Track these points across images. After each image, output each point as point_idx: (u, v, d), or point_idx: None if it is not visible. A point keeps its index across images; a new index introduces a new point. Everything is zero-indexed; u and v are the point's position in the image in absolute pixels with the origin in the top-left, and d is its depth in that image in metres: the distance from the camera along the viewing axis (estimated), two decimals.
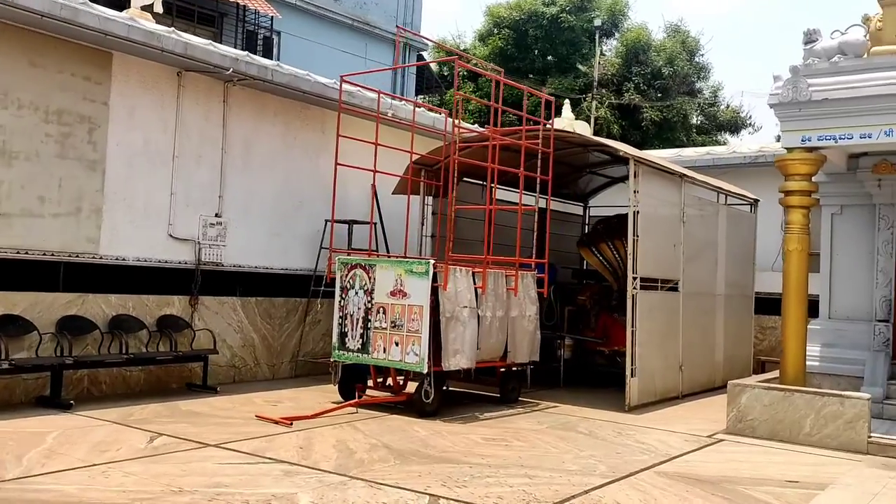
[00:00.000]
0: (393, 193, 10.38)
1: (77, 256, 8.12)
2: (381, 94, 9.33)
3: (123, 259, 8.53)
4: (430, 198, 10.72)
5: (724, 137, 24.16)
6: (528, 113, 9.61)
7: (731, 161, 13.30)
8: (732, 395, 7.83)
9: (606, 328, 10.59)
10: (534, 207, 9.01)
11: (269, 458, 5.81)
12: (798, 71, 7.94)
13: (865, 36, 8.14)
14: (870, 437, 7.23)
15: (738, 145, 15.31)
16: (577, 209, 13.61)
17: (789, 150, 8.04)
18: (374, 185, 9.57)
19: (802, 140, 7.92)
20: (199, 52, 8.63)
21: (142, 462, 5.55)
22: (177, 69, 8.93)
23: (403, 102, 10.19)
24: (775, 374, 8.48)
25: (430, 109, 10.39)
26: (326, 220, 10.34)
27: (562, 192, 13.01)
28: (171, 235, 8.96)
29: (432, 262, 7.73)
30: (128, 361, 8.23)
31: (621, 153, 8.93)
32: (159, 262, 8.84)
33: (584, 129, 14.99)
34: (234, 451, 6.01)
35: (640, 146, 20.49)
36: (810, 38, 8.28)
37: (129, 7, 11.09)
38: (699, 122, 23.27)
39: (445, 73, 24.43)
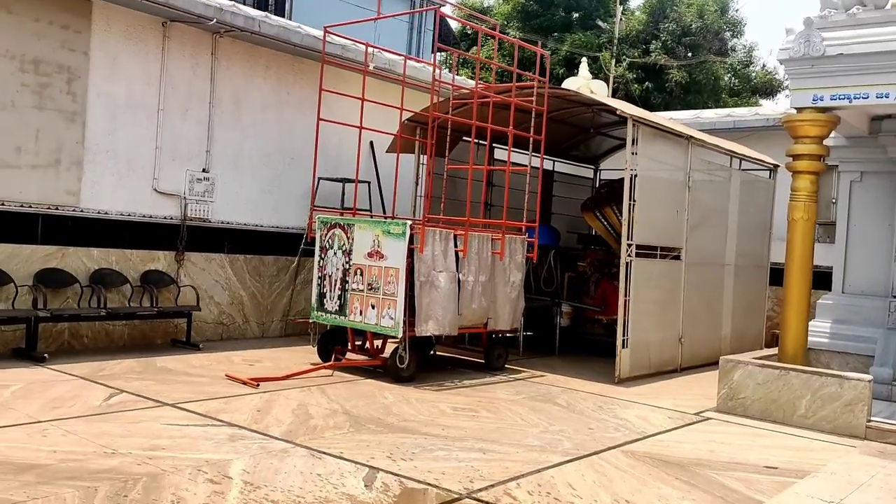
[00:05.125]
0: (387, 152, 10.05)
1: (56, 209, 8.01)
2: (370, 47, 8.92)
3: (106, 213, 8.40)
4: (425, 157, 10.35)
5: (758, 101, 23.04)
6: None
7: (753, 124, 12.60)
8: (724, 371, 7.43)
9: (606, 296, 10.19)
10: (525, 168, 8.58)
11: (221, 421, 5.66)
12: (812, 23, 7.32)
13: None
14: (869, 421, 6.79)
15: (761, 107, 14.50)
16: (587, 172, 13.10)
17: (799, 109, 7.47)
18: (371, 143, 9.26)
19: (814, 99, 7.34)
20: (181, 1, 8.33)
21: (89, 420, 5.44)
22: (162, 19, 8.66)
23: (398, 56, 9.76)
24: (774, 350, 8.03)
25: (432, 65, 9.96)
26: (320, 178, 10.10)
27: (571, 153, 12.53)
28: (155, 190, 8.80)
29: (409, 223, 7.42)
30: (108, 316, 8.16)
31: (618, 112, 8.44)
32: (143, 216, 8.71)
33: (600, 89, 14.37)
34: (189, 411, 5.88)
35: (665, 109, 19.64)
36: None
37: None
38: (731, 84, 22.09)
39: (469, 32, 23.74)
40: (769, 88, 23.02)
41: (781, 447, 6.21)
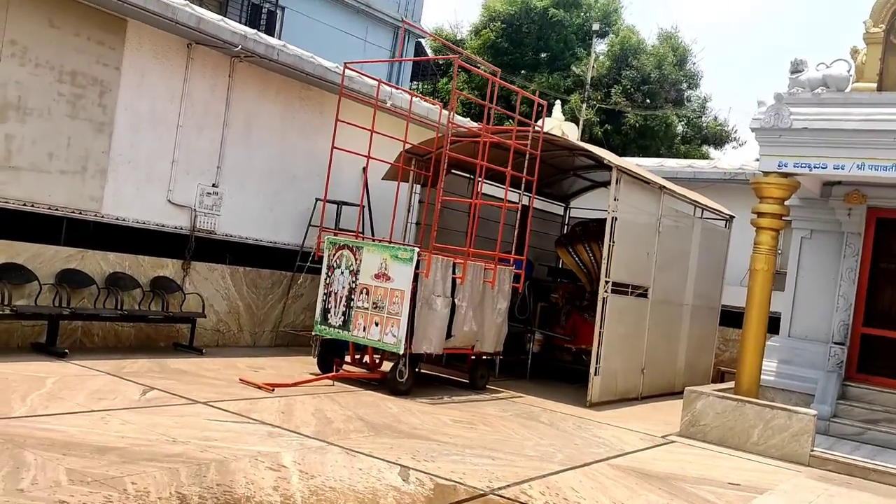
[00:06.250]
0: (383, 179, 10.77)
1: (80, 213, 8.43)
2: (381, 83, 9.67)
3: (124, 220, 8.85)
4: (418, 186, 11.11)
5: (708, 150, 24.70)
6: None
7: (711, 176, 13.82)
8: (688, 400, 8.37)
9: (576, 326, 11.09)
10: (517, 205, 9.43)
11: (254, 419, 6.23)
12: (782, 98, 8.42)
13: (849, 71, 8.63)
14: (812, 450, 7.78)
15: (719, 161, 15.85)
16: (558, 209, 14.07)
17: (766, 173, 8.52)
18: (365, 170, 9.95)
19: (779, 165, 8.40)
20: (210, 27, 8.92)
21: (137, 412, 5.93)
22: (187, 41, 9.21)
23: (400, 91, 10.53)
24: (731, 384, 9.04)
25: (430, 101, 10.75)
26: (317, 199, 10.73)
27: (545, 191, 13.46)
28: (169, 201, 9.28)
29: (417, 249, 8.14)
30: (121, 317, 8.57)
31: (605, 161, 9.38)
32: (157, 225, 9.17)
33: (572, 131, 15.33)
34: (222, 409, 6.42)
35: (621, 151, 20.96)
36: (797, 68, 8.76)
37: None
38: (683, 132, 23.74)
39: (441, 63, 24.72)
40: (718, 139, 24.70)
41: (739, 468, 7.14)
